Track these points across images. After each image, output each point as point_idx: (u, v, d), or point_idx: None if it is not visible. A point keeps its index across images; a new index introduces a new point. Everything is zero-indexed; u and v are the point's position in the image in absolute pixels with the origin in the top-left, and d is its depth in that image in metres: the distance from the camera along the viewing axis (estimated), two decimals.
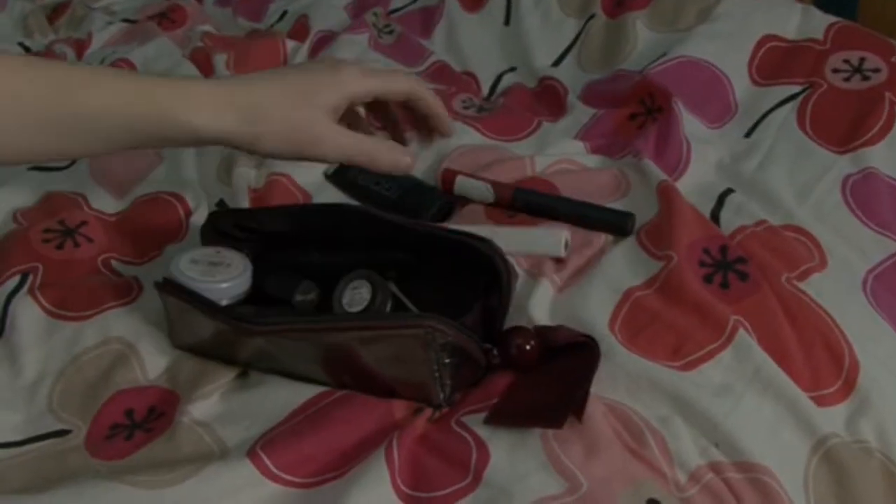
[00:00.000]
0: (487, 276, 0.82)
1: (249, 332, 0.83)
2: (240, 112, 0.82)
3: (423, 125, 0.97)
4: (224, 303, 0.86)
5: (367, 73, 0.89)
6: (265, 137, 0.83)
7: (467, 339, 0.78)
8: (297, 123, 0.84)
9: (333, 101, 0.86)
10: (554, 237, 0.95)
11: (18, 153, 0.82)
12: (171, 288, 0.87)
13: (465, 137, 1.15)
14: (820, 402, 0.82)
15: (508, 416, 0.77)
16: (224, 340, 0.86)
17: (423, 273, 0.86)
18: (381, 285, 0.83)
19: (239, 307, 0.88)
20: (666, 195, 0.98)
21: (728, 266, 0.90)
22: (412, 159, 0.90)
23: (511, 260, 0.84)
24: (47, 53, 1.60)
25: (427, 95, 0.93)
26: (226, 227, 0.93)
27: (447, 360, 0.77)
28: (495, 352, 0.81)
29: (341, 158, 0.87)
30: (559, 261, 0.95)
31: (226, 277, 0.87)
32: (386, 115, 0.98)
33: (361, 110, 0.95)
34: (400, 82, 0.91)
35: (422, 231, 0.87)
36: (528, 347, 0.82)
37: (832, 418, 0.81)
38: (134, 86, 0.82)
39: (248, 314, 0.85)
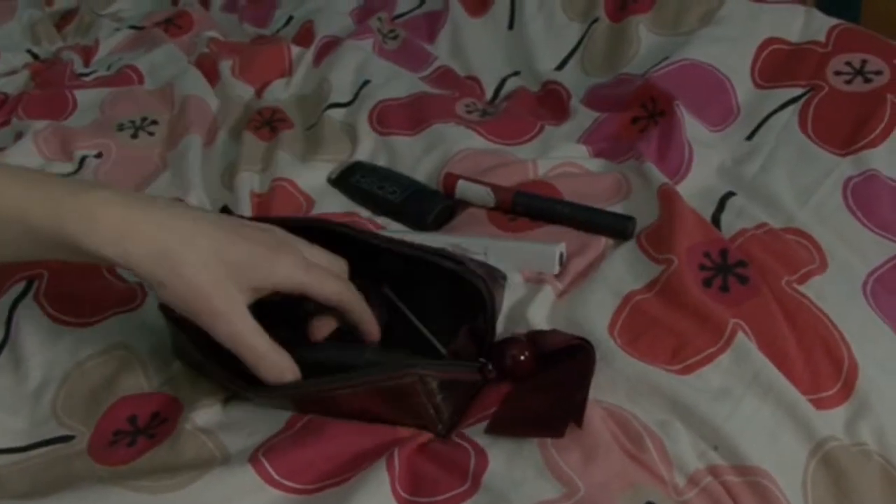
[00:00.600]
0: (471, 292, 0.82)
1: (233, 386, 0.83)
2: (149, 253, 0.74)
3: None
4: None
5: (303, 268, 0.79)
6: (167, 290, 0.75)
7: (457, 371, 0.78)
8: (204, 292, 0.75)
9: (255, 284, 0.77)
10: (548, 253, 0.95)
11: None
12: (168, 311, 0.87)
13: (467, 141, 1.16)
14: (819, 405, 0.81)
15: (509, 425, 0.78)
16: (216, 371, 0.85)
17: (416, 279, 0.85)
18: (375, 295, 0.83)
19: None
20: (666, 198, 0.98)
21: (728, 269, 0.90)
22: (293, 377, 0.80)
23: (501, 268, 0.85)
24: (55, 60, 1.62)
25: (357, 308, 0.83)
26: None
27: (440, 395, 0.76)
28: (490, 366, 0.79)
29: (227, 345, 0.77)
30: None
31: None
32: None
33: None
34: (332, 287, 0.80)
35: (402, 253, 0.85)
36: (522, 358, 0.81)
37: (831, 421, 0.81)
38: (39, 196, 0.74)
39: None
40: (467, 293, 0.80)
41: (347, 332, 0.85)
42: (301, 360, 0.81)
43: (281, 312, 0.83)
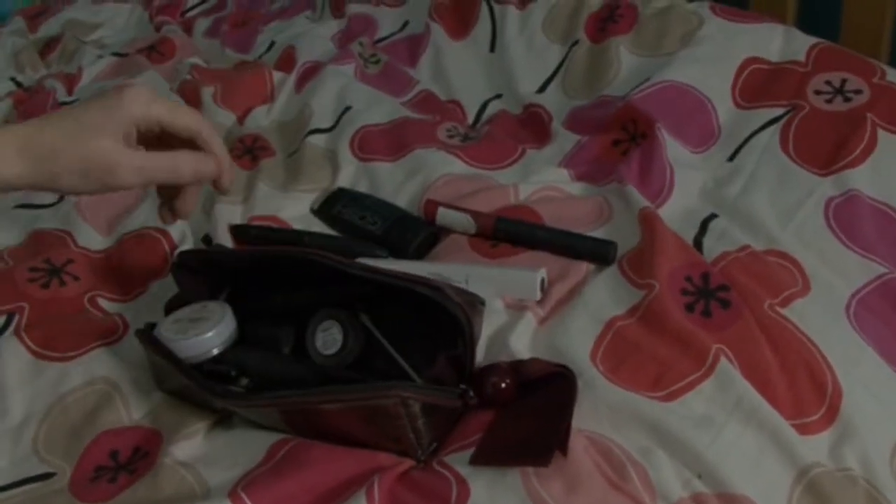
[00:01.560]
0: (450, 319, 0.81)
1: (212, 393, 0.83)
2: (31, 156, 0.79)
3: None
4: (212, 352, 0.87)
5: (151, 98, 0.84)
6: (61, 177, 0.80)
7: (439, 396, 0.78)
8: (89, 156, 0.80)
9: (119, 126, 0.81)
10: (529, 280, 0.95)
11: None
12: (146, 338, 0.88)
13: (448, 167, 1.16)
14: (803, 430, 0.81)
15: (493, 455, 0.77)
16: (197, 392, 0.86)
17: (391, 303, 0.85)
18: (350, 324, 0.82)
19: (225, 353, 0.88)
20: (648, 222, 0.98)
21: (710, 294, 0.90)
22: (216, 164, 0.86)
23: (482, 295, 0.84)
24: (38, 88, 1.62)
25: (215, 141, 0.88)
26: (193, 263, 0.94)
27: (422, 419, 0.76)
28: (471, 393, 0.80)
29: (142, 180, 0.83)
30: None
31: (197, 332, 0.87)
32: None
33: None
34: (185, 115, 0.86)
35: (377, 281, 0.84)
36: (503, 385, 0.81)
37: (816, 447, 0.80)
38: None
39: (225, 369, 0.85)
40: (446, 320, 0.80)
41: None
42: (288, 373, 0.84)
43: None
